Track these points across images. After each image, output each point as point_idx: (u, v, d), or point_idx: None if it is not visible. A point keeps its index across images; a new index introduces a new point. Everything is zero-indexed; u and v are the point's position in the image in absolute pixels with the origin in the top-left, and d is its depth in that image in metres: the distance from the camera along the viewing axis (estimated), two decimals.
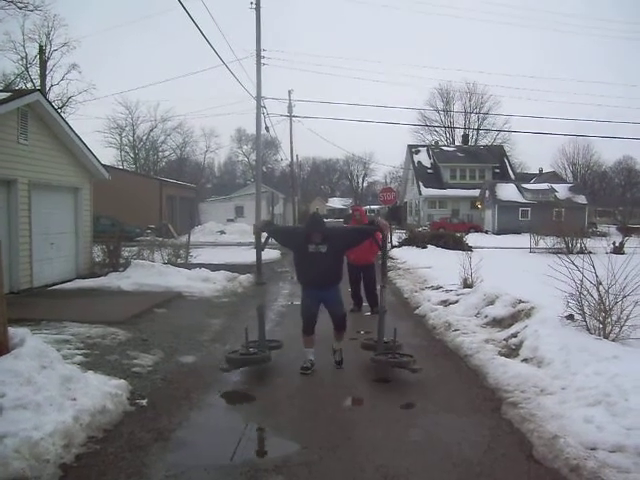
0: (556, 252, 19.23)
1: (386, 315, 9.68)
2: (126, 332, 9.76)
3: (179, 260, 19.76)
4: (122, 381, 6.85)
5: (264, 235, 8.78)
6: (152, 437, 5.50)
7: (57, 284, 15.40)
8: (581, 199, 52.57)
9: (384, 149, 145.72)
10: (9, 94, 14.00)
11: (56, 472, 4.74)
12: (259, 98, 29.06)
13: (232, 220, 51.81)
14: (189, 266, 18.38)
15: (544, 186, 55.53)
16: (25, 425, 5.01)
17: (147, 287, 14.72)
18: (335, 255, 7.87)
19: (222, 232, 44.81)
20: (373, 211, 75.93)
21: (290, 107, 48.35)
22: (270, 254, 22.36)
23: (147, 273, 16.01)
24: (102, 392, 6.19)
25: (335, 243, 7.83)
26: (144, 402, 6.54)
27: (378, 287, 8.88)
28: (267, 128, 37.52)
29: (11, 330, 6.41)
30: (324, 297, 7.97)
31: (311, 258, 7.77)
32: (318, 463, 5.06)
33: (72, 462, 4.97)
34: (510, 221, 50.11)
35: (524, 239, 31.70)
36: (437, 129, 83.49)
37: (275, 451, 5.43)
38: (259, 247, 8.89)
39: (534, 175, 75.90)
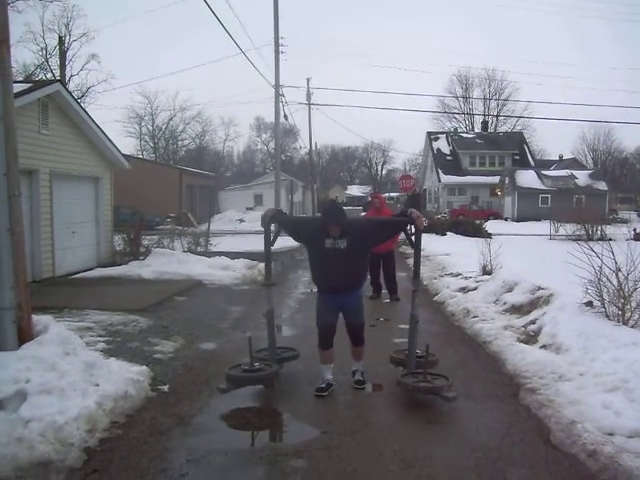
0: (576, 239, 19.13)
1: (402, 302, 9.67)
2: (147, 319, 9.88)
3: (199, 248, 19.87)
4: (144, 367, 6.96)
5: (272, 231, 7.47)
6: (173, 422, 5.59)
7: (79, 273, 15.56)
8: (602, 185, 52.17)
9: (403, 136, 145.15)
10: (30, 85, 14.12)
11: (80, 456, 4.84)
12: (277, 86, 29.09)
13: (251, 208, 52.02)
14: (209, 254, 18.50)
15: (564, 173, 55.12)
16: (50, 410, 5.11)
17: (167, 275, 14.86)
18: (357, 252, 6.46)
19: (241, 220, 45.01)
20: (392, 198, 75.78)
21: (309, 95, 48.42)
22: (289, 241, 20.90)
23: (167, 261, 16.14)
24: (124, 378, 6.30)
25: (357, 238, 6.41)
26: (165, 388, 6.65)
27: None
28: (286, 116, 37.64)
29: (35, 317, 6.53)
30: (343, 303, 6.65)
31: (328, 256, 6.42)
32: (337, 448, 5.12)
33: (96, 446, 5.07)
34: (530, 208, 49.80)
35: (544, 226, 31.53)
36: (456, 116, 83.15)
37: (295, 436, 5.48)
38: (268, 241, 7.20)
39: (554, 162, 75.31)
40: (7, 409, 5.13)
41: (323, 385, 6.65)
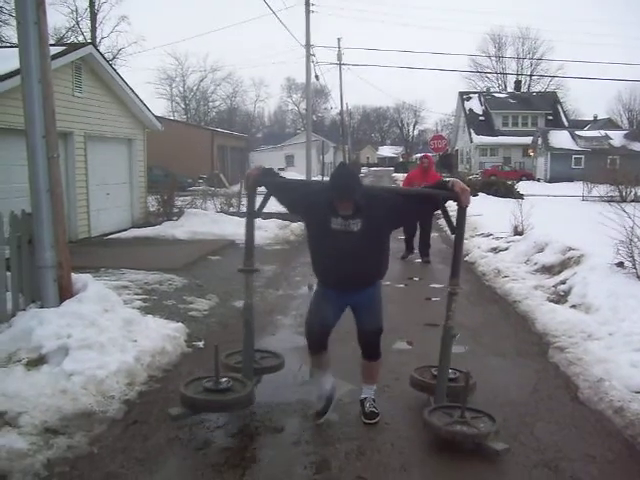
0: (609, 200, 18.93)
1: (433, 263, 9.65)
2: (182, 278, 10.08)
3: (231, 209, 20.04)
4: (180, 324, 7.15)
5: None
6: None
7: (113, 233, 15.83)
8: (637, 146, 51.18)
9: (435, 97, 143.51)
10: (63, 48, 14.23)
11: (121, 407, 5.03)
12: (308, 46, 28.90)
13: (282, 169, 51.85)
14: (241, 215, 18.66)
15: (598, 133, 54.14)
16: (91, 364, 5.31)
17: (201, 235, 15.07)
18: (375, 237, 4.64)
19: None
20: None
21: (339, 55, 47.95)
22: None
23: (200, 222, 16.34)
24: (161, 334, 6.49)
25: (376, 217, 4.55)
26: (201, 344, 6.82)
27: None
28: (317, 76, 37.38)
29: (74, 276, 6.74)
30: (354, 303, 4.84)
31: (335, 240, 4.58)
32: None
33: (135, 399, 5.25)
34: (563, 169, 49.14)
35: (577, 187, 31.15)
36: (489, 76, 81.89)
37: None
38: (251, 210, 5.15)
39: (588, 122, 73.92)
40: (51, 363, 5.36)
41: (321, 405, 4.86)
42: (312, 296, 5.03)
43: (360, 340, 4.94)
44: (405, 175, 16.60)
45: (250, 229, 5.18)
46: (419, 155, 17.74)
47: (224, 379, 4.76)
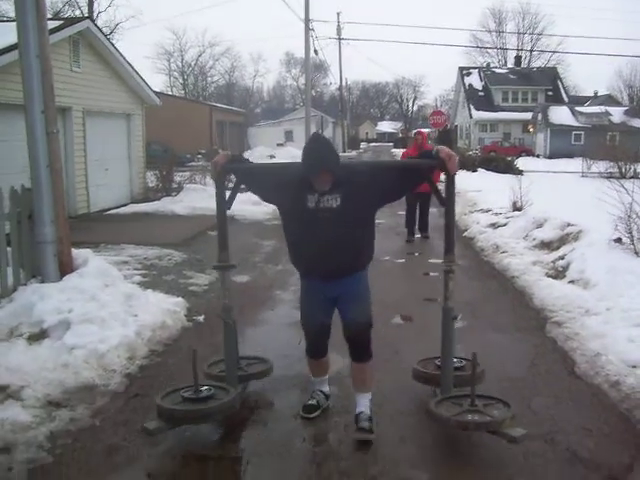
0: (608, 177, 18.92)
1: (432, 239, 9.54)
2: (181, 253, 10.14)
3: (230, 184, 19.96)
4: (180, 299, 7.21)
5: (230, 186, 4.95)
6: (209, 351, 5.77)
7: (112, 209, 15.87)
8: (637, 123, 50.96)
9: (434, 72, 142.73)
10: (60, 22, 14.18)
11: (122, 381, 5.10)
12: (307, 20, 28.70)
13: (281, 144, 51.77)
14: (240, 190, 18.64)
15: (598, 109, 53.87)
16: (92, 338, 5.37)
17: (200, 210, 15.07)
18: (357, 213, 4.13)
19: (272, 156, 44.84)
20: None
21: (339, 29, 47.89)
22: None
23: (199, 197, 16.34)
24: (161, 309, 6.54)
25: (357, 191, 4.08)
26: (201, 319, 6.87)
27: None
28: (316, 51, 37.19)
29: (74, 251, 6.78)
30: (338, 293, 4.30)
31: (312, 220, 4.12)
32: None
33: (136, 372, 5.33)
34: (563, 145, 48.94)
35: (576, 163, 31.08)
36: (489, 51, 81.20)
37: None
38: (221, 201, 4.69)
39: (588, 98, 73.48)
40: (52, 337, 5.41)
41: (313, 402, 4.61)
42: (300, 296, 4.60)
43: (347, 337, 4.38)
44: (402, 152, 16.42)
45: (222, 221, 4.71)
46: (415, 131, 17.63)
47: (205, 387, 4.31)
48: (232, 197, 4.72)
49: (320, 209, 4.09)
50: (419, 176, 4.46)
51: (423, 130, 13.69)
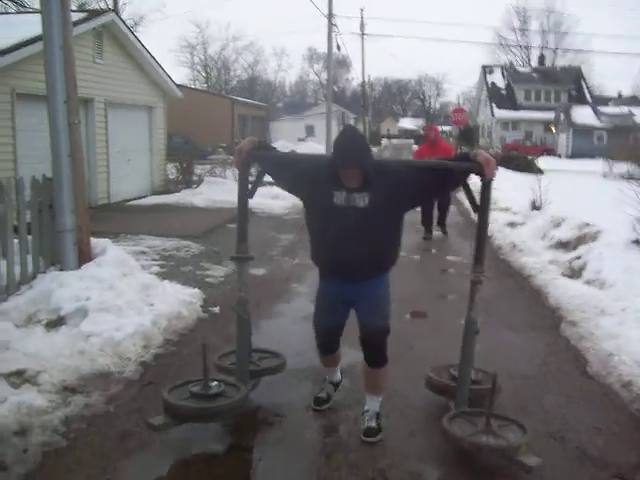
0: (629, 177, 18.78)
1: (449, 236, 9.55)
2: (199, 245, 10.25)
3: (250, 178, 20.05)
4: (196, 290, 7.28)
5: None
6: (223, 341, 5.84)
7: (133, 200, 16.01)
8: None
9: (457, 69, 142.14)
10: (85, 14, 14.29)
11: (137, 369, 5.17)
12: (330, 16, 28.71)
13: (303, 139, 51.81)
14: (262, 183, 18.70)
15: (622, 110, 53.42)
16: (108, 326, 5.45)
17: (219, 203, 15.18)
18: (385, 215, 3.94)
19: (293, 151, 45.04)
20: (445, 132, 74.64)
21: (362, 25, 47.73)
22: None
23: (219, 190, 16.46)
24: (178, 299, 6.62)
25: (388, 191, 3.89)
26: (216, 310, 6.93)
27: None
28: (338, 47, 37.12)
29: (93, 240, 6.89)
30: (356, 295, 4.11)
31: (337, 218, 3.92)
32: None
33: (151, 361, 5.40)
34: (585, 145, 48.59)
35: (598, 164, 30.87)
36: (512, 49, 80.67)
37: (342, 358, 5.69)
38: (244, 190, 4.49)
39: (612, 98, 72.89)
40: (69, 324, 5.50)
41: (322, 394, 4.62)
42: (316, 294, 4.43)
43: (362, 342, 4.22)
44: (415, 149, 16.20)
45: (243, 211, 4.49)
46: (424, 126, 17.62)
47: (214, 383, 4.15)
48: (255, 187, 4.49)
49: (346, 207, 3.89)
50: (454, 179, 4.13)
51: (434, 126, 13.50)
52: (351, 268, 3.98)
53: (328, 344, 4.43)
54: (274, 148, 4.67)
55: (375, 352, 4.21)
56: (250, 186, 4.48)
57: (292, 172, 4.22)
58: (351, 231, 3.88)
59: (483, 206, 4.04)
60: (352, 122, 60.75)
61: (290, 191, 4.47)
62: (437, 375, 4.67)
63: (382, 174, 3.89)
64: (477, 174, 3.97)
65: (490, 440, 3.74)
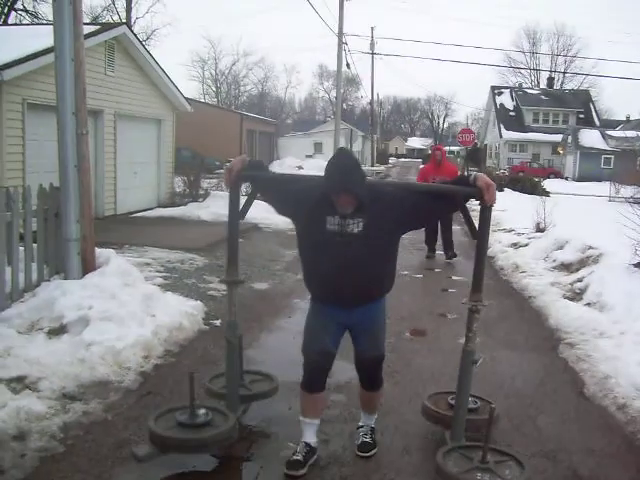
0: (636, 202, 18.80)
1: (454, 257, 9.55)
2: (203, 258, 10.30)
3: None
4: (198, 302, 7.33)
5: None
6: (222, 355, 5.91)
7: (139, 212, 16.09)
8: None
9: (466, 90, 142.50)
10: (97, 27, 14.45)
11: (136, 379, 5.22)
12: (340, 34, 28.93)
13: (310, 156, 51.98)
14: (257, 197, 18.79)
15: (631, 134, 53.37)
16: (109, 335, 5.51)
17: (225, 217, 14.53)
18: (380, 242, 3.82)
19: (300, 167, 45.07)
20: (452, 152, 74.80)
21: (372, 44, 47.95)
22: None
23: (225, 204, 16.01)
24: (179, 311, 6.66)
25: (382, 218, 3.76)
26: (218, 322, 6.98)
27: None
28: (348, 65, 37.36)
29: (97, 250, 6.95)
30: (353, 322, 4.00)
31: (330, 244, 3.77)
32: None
33: (151, 371, 5.44)
34: (592, 168, 48.55)
35: (605, 187, 30.90)
36: (521, 71, 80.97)
37: (338, 374, 5.70)
38: (235, 209, 4.36)
39: (621, 122, 72.93)
40: (71, 332, 5.57)
41: (299, 457, 3.95)
42: (307, 317, 4.19)
43: (358, 368, 4.15)
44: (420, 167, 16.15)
45: (233, 232, 4.37)
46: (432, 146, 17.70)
47: (202, 411, 3.97)
48: (246, 207, 4.32)
49: (339, 233, 3.74)
50: (452, 204, 3.95)
51: (441, 146, 13.52)
52: (345, 294, 3.85)
53: (317, 374, 4.04)
54: (266, 167, 4.46)
55: (370, 377, 4.18)
56: (242, 206, 4.33)
57: (283, 194, 4.09)
58: (345, 259, 3.74)
59: (482, 232, 3.84)
60: (360, 139, 60.93)
61: (281, 213, 4.25)
62: (433, 404, 4.52)
63: (377, 199, 3.76)
64: (476, 199, 3.78)
65: (485, 478, 3.54)
